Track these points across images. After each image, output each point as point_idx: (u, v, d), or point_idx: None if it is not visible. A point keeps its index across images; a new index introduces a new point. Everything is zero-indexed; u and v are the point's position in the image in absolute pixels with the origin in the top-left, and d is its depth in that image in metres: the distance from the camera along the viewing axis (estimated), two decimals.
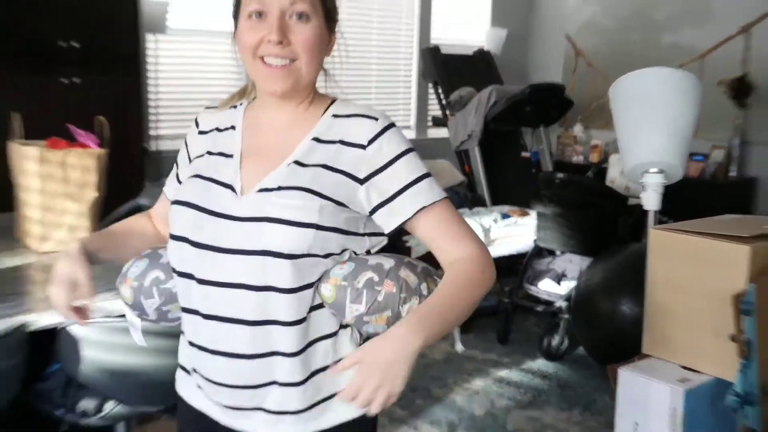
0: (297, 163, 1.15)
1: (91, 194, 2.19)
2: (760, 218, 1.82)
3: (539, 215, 3.77)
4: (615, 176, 4.68)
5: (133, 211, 1.86)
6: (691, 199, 3.24)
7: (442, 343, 3.79)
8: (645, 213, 2.16)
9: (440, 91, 5.22)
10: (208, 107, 1.31)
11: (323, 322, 1.15)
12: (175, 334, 1.28)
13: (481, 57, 5.60)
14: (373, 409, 1.06)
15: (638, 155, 2.08)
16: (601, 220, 3.57)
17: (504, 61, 5.73)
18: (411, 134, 5.68)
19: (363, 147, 1.15)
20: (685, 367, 1.56)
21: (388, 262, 1.14)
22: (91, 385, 1.72)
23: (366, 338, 1.19)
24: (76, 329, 1.63)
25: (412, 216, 1.15)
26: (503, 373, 3.51)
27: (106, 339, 1.63)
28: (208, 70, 4.42)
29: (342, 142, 1.16)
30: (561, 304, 3.60)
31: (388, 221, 1.17)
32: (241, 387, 1.15)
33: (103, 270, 1.32)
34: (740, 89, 4.97)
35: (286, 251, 1.09)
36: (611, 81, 2.23)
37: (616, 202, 3.68)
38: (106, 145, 2.25)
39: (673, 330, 1.60)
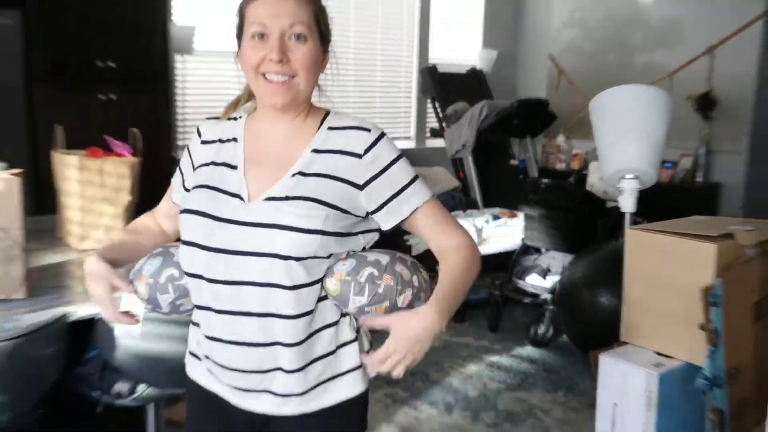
0: (300, 174, 1.15)
1: (126, 198, 2.18)
2: (724, 219, 1.81)
3: (526, 216, 3.76)
4: (594, 182, 4.66)
5: None
6: (662, 202, 3.22)
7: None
8: (621, 215, 2.15)
9: (437, 105, 5.21)
10: (209, 118, 1.30)
11: (327, 312, 1.16)
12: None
13: (474, 75, 5.60)
14: (396, 373, 1.11)
15: (616, 163, 2.07)
16: (581, 221, 3.56)
17: (494, 79, 5.73)
18: (411, 144, 5.68)
19: (359, 156, 1.15)
20: (659, 353, 1.55)
21: (384, 258, 1.15)
22: (125, 369, 1.71)
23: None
24: None
25: (409, 215, 1.18)
26: (494, 358, 3.50)
27: (138, 328, 1.62)
28: (229, 87, 4.34)
29: (340, 152, 1.16)
30: (546, 296, 3.59)
31: (386, 221, 1.18)
32: (250, 372, 1.16)
33: None
34: (705, 104, 4.97)
35: (295, 254, 1.09)
36: (590, 97, 2.22)
37: (595, 205, 3.67)
38: (139, 154, 2.25)
39: (648, 320, 1.59)
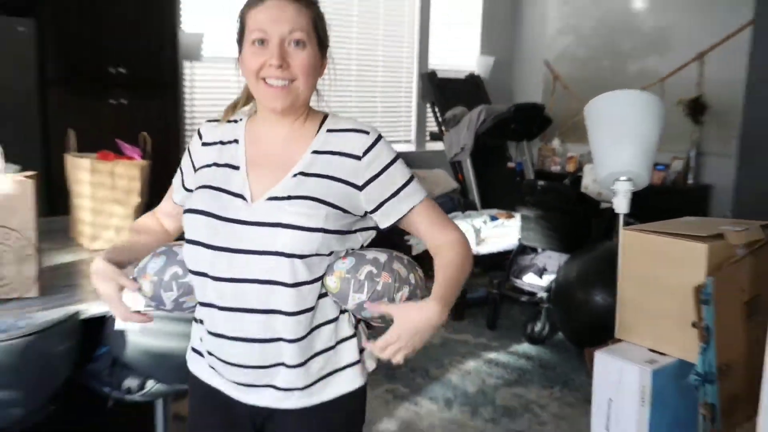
0: (301, 174, 1.15)
1: (135, 200, 2.18)
2: (715, 220, 1.80)
3: (523, 217, 3.75)
4: (588, 184, 4.65)
5: None
6: (654, 203, 3.21)
7: (439, 329, 3.78)
8: (615, 215, 2.15)
9: (437, 110, 5.21)
10: (209, 120, 1.29)
11: (327, 308, 1.16)
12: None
13: (472, 80, 5.60)
14: (396, 360, 1.12)
15: (610, 165, 2.06)
16: (576, 221, 3.55)
17: (492, 84, 5.73)
18: (411, 147, 5.67)
19: (358, 158, 1.15)
20: (652, 350, 1.54)
21: (382, 256, 1.15)
22: (135, 366, 1.71)
23: (360, 320, 1.22)
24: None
25: (406, 213, 1.18)
26: (492, 355, 3.49)
27: (147, 326, 1.61)
28: (235, 92, 4.38)
29: (339, 154, 1.16)
30: (542, 294, 3.58)
31: (384, 219, 1.18)
32: (253, 367, 1.15)
33: None
34: (696, 108, 4.97)
35: (297, 252, 1.09)
36: (584, 102, 2.22)
37: (589, 206, 3.66)
38: (148, 157, 2.25)
39: (641, 318, 1.58)
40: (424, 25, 5.58)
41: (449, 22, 5.79)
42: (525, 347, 3.59)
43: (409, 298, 1.15)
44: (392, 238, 1.27)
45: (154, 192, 2.26)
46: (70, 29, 3.42)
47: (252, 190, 1.15)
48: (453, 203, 4.71)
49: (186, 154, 1.29)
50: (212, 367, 1.22)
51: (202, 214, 1.15)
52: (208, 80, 4.32)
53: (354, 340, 1.20)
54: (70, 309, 1.58)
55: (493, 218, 4.35)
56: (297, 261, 1.09)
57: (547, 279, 3.65)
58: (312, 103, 1.22)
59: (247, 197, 1.14)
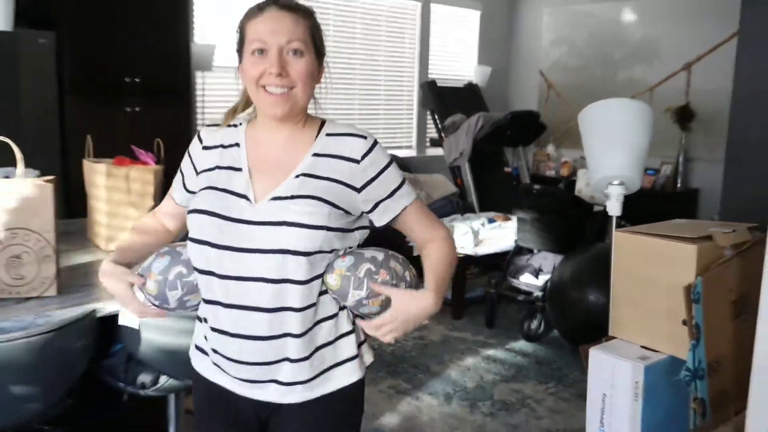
0: (304, 175, 1.15)
1: (149, 203, 2.17)
2: (703, 222, 1.79)
3: (519, 220, 3.74)
4: (582, 187, 4.65)
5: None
6: (645, 207, 3.20)
7: (440, 327, 3.77)
8: (607, 218, 2.14)
9: (436, 117, 5.20)
10: (208, 125, 1.29)
11: (327, 305, 1.16)
12: None
13: (470, 89, 5.60)
14: (386, 340, 1.15)
15: (603, 170, 2.05)
16: (570, 224, 3.54)
17: (489, 93, 5.72)
18: (412, 153, 5.67)
19: (357, 161, 1.16)
20: (644, 347, 1.53)
21: (379, 254, 1.16)
22: (148, 362, 1.70)
23: (357, 316, 1.22)
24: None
25: (399, 213, 1.20)
26: (490, 352, 3.48)
27: (160, 323, 1.61)
28: None
29: (339, 157, 1.16)
30: (538, 294, 3.57)
31: (380, 218, 1.20)
32: (258, 363, 1.14)
33: None
34: (683, 115, 4.96)
35: (302, 249, 1.09)
36: (577, 109, 2.21)
37: (583, 209, 3.65)
38: (162, 162, 2.24)
39: (634, 316, 1.57)
40: (424, 37, 5.59)
41: (448, 34, 5.80)
42: (522, 344, 3.58)
43: None
44: (395, 240, 1.27)
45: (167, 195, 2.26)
46: (88, 41, 3.42)
47: (255, 191, 1.15)
48: (452, 206, 4.70)
49: (186, 156, 1.28)
50: (216, 364, 1.21)
51: (208, 214, 1.14)
52: (219, 89, 4.32)
53: (353, 336, 1.20)
54: (87, 307, 1.57)
55: (491, 221, 4.34)
56: (302, 258, 1.09)
57: (543, 279, 3.64)
58: (310, 109, 1.22)
59: (251, 198, 1.14)
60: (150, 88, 3.64)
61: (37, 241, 1.63)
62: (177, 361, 1.68)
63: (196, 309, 1.23)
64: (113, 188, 2.11)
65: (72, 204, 2.91)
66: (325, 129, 1.20)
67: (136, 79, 3.59)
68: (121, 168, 2.13)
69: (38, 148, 3.11)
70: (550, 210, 3.55)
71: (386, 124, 5.51)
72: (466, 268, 3.94)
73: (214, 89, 4.31)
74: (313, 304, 1.13)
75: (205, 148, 1.25)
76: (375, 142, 1.18)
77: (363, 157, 1.16)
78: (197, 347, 1.27)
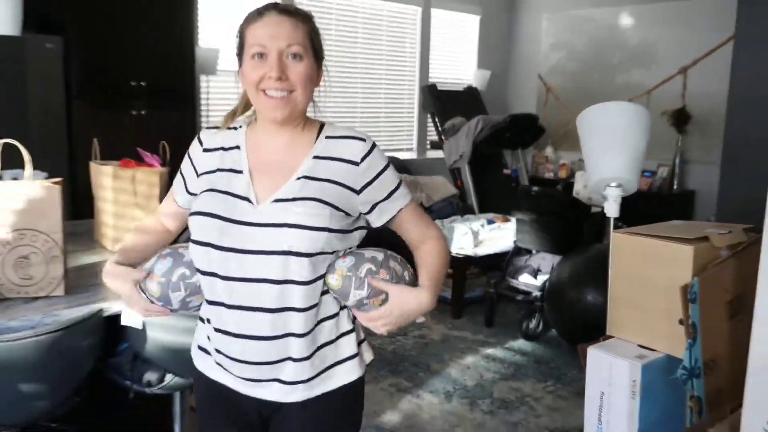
0: (305, 177, 1.15)
1: (155, 204, 2.17)
2: (700, 224, 1.79)
3: (518, 221, 3.74)
4: (579, 189, 4.65)
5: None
6: (642, 208, 3.20)
7: (440, 326, 3.76)
8: (605, 219, 2.14)
9: (437, 120, 5.21)
10: (208, 127, 1.28)
11: (328, 304, 1.16)
12: None
13: (470, 92, 5.60)
14: (380, 332, 1.17)
15: (601, 172, 2.05)
16: (569, 225, 3.54)
17: (488, 96, 5.73)
18: (413, 155, 5.67)
19: (357, 164, 1.16)
20: (642, 346, 1.53)
21: (379, 255, 1.16)
22: (154, 360, 1.70)
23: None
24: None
25: (396, 214, 1.21)
26: (490, 351, 3.48)
27: (165, 322, 1.61)
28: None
29: (339, 159, 1.16)
30: (537, 294, 3.57)
31: (377, 219, 1.21)
32: (261, 363, 1.14)
33: None
34: (680, 118, 4.97)
35: (305, 250, 1.09)
36: (575, 112, 2.21)
37: (581, 211, 3.65)
38: (167, 164, 2.25)
39: (631, 315, 1.57)
40: (425, 41, 5.59)
41: (448, 38, 5.80)
42: (520, 343, 3.58)
43: None
44: (393, 240, 1.27)
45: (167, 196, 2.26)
46: (95, 46, 3.43)
47: (256, 194, 1.15)
48: (452, 208, 4.70)
49: (186, 158, 1.28)
50: (219, 364, 1.20)
51: (210, 216, 1.14)
52: (223, 92, 4.33)
53: (353, 335, 1.21)
54: (94, 307, 1.58)
55: (490, 222, 4.34)
56: (305, 259, 1.09)
57: (541, 279, 3.64)
58: (308, 113, 1.22)
59: (253, 200, 1.14)
60: (155, 91, 3.65)
61: (44, 242, 1.63)
62: (182, 359, 1.68)
63: (198, 309, 1.23)
64: (119, 190, 2.12)
65: (79, 205, 2.91)
66: (325, 132, 1.20)
67: (142, 83, 3.60)
68: (127, 170, 2.13)
69: (46, 151, 3.11)
70: (549, 211, 3.55)
71: (387, 127, 5.52)
72: (465, 268, 3.94)
73: (219, 93, 4.31)
74: (316, 304, 1.13)
75: (205, 150, 1.24)
76: (374, 145, 1.18)
77: (362, 159, 1.16)
78: (199, 347, 1.26)
